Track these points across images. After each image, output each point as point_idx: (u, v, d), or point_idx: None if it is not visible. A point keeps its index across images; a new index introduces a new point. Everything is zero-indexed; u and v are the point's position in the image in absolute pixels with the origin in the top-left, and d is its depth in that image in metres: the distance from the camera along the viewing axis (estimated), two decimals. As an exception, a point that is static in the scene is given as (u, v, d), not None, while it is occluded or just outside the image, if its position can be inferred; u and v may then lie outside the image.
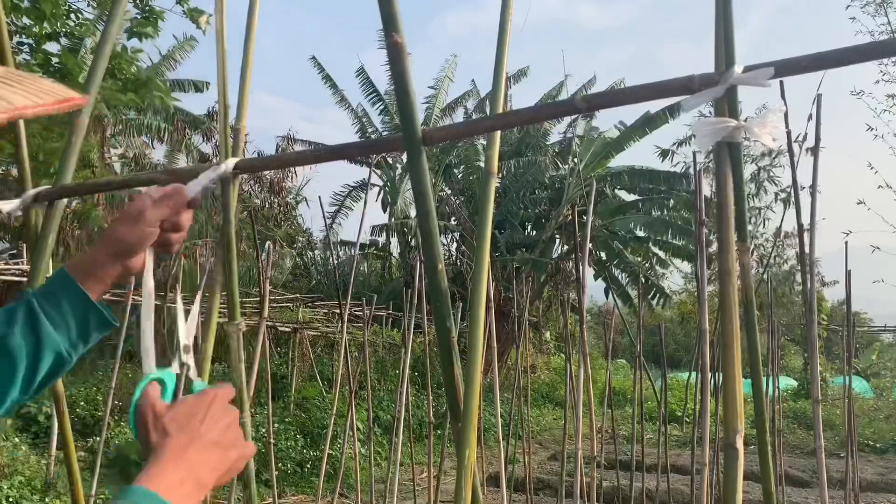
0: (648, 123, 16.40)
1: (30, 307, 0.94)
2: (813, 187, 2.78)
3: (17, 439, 6.70)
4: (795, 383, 16.11)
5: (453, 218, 16.58)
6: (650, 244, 16.51)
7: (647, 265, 16.66)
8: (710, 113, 0.97)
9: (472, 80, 19.23)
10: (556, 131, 17.61)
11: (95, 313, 0.98)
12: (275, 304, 11.62)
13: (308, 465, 8.11)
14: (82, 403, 8.27)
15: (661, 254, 16.74)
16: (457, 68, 19.48)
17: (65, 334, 0.95)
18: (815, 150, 2.81)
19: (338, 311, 6.16)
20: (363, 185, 18.90)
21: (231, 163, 1.42)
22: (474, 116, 17.02)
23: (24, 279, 7.42)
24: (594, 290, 18.50)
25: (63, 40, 6.53)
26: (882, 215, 12.93)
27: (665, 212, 16.18)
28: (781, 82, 2.15)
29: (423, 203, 1.00)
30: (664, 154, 16.42)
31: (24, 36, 5.90)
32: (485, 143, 1.46)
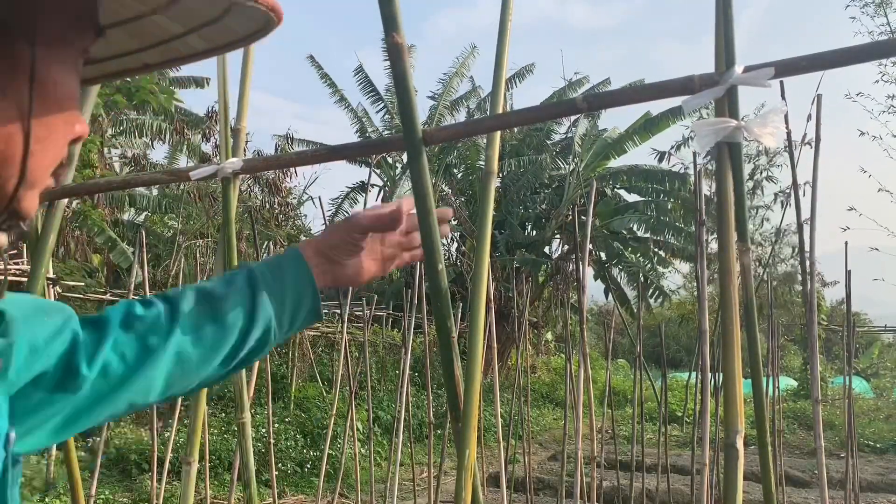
0: (651, 127, 16.39)
1: (250, 274, 0.85)
2: (813, 187, 2.78)
3: (17, 439, 6.69)
4: (795, 383, 16.10)
5: (453, 218, 16.54)
6: (650, 244, 16.52)
7: (647, 265, 16.66)
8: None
9: (471, 78, 19.13)
10: (559, 131, 17.61)
11: (311, 298, 0.89)
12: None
13: (308, 465, 8.11)
14: (82, 403, 8.26)
15: (662, 253, 16.74)
16: (475, 61, 19.02)
17: (278, 311, 0.86)
18: (815, 151, 2.81)
19: (338, 311, 6.16)
20: (362, 187, 18.89)
21: (237, 162, 1.42)
22: (476, 116, 17.03)
23: (24, 279, 7.40)
24: (594, 291, 18.49)
25: None
26: (876, 219, 12.91)
27: (665, 212, 16.18)
28: (781, 82, 2.15)
29: (424, 203, 1.00)
30: (662, 157, 16.43)
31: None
32: (485, 142, 1.45)
